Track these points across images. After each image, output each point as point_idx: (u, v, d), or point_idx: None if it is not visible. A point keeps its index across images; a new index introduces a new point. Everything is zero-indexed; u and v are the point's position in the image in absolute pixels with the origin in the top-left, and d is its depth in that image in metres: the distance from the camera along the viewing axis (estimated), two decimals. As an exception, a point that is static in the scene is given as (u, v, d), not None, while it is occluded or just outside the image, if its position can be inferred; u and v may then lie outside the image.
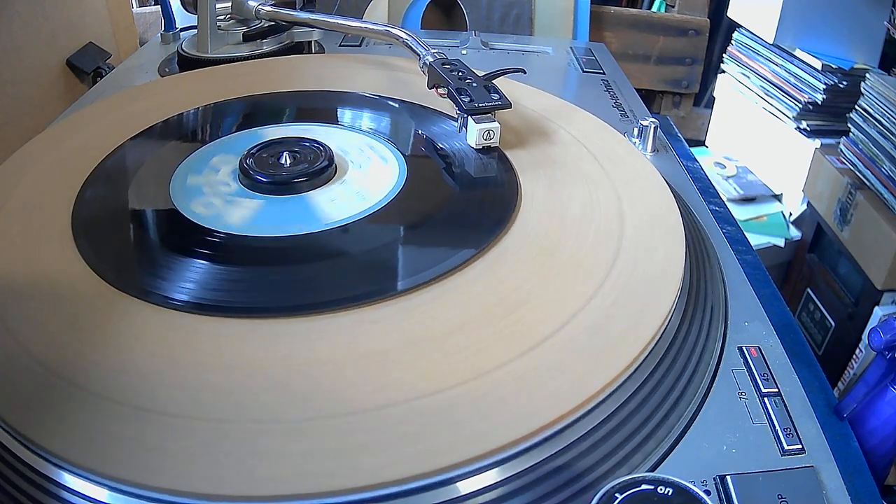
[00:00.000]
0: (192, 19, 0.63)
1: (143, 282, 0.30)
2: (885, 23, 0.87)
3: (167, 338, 0.27)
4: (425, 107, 0.46)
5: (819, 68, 0.88)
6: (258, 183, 0.37)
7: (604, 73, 0.64)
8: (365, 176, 0.38)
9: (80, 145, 0.42)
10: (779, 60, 0.95)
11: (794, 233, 0.94)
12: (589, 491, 0.23)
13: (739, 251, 0.38)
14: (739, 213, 0.95)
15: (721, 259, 0.37)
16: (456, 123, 0.41)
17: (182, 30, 0.69)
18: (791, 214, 0.96)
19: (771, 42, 0.95)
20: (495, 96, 0.40)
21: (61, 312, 0.28)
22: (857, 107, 0.81)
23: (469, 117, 0.40)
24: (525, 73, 0.46)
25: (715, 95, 1.11)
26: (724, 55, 1.08)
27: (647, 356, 0.27)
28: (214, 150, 0.41)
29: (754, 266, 0.38)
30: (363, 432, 0.23)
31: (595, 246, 0.32)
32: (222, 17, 0.62)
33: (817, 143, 0.89)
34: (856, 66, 0.87)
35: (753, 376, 0.29)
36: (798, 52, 0.92)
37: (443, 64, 0.43)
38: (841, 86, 0.87)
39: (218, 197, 0.36)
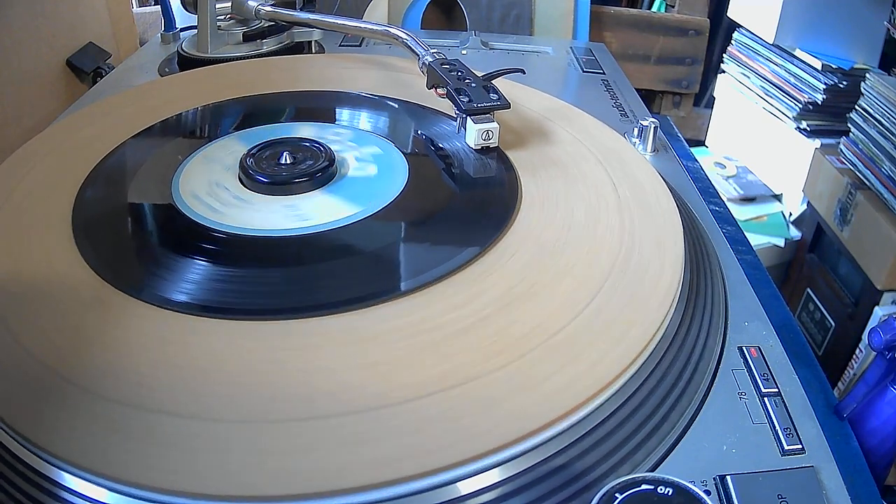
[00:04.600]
0: (192, 19, 0.63)
1: (144, 282, 0.30)
2: (885, 23, 0.87)
3: (167, 338, 0.27)
4: (426, 107, 0.46)
5: (819, 68, 0.88)
6: (258, 183, 0.37)
7: (604, 73, 0.64)
8: (365, 176, 0.38)
9: (80, 145, 0.42)
10: (779, 60, 0.95)
11: (794, 233, 0.94)
12: (589, 491, 0.23)
13: (739, 251, 0.38)
14: (739, 213, 0.95)
15: (721, 259, 0.37)
16: (456, 123, 0.41)
17: (182, 30, 0.69)
18: (791, 214, 0.96)
19: (771, 42, 0.95)
20: (494, 96, 0.40)
21: (61, 312, 0.28)
22: (857, 107, 0.81)
23: (468, 118, 0.40)
24: (524, 73, 0.46)
25: (715, 95, 1.11)
26: (724, 55, 1.08)
27: (647, 356, 0.27)
28: (214, 149, 0.41)
29: (754, 266, 0.38)
30: (363, 433, 0.23)
31: (595, 246, 0.32)
32: (222, 17, 0.62)
33: (817, 143, 0.89)
34: (856, 66, 0.87)
35: (753, 376, 0.29)
36: (798, 52, 0.92)
37: (442, 64, 0.43)
38: (841, 86, 0.87)
39: (218, 197, 0.36)
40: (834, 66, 0.87)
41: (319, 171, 0.37)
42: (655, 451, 0.25)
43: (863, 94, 0.80)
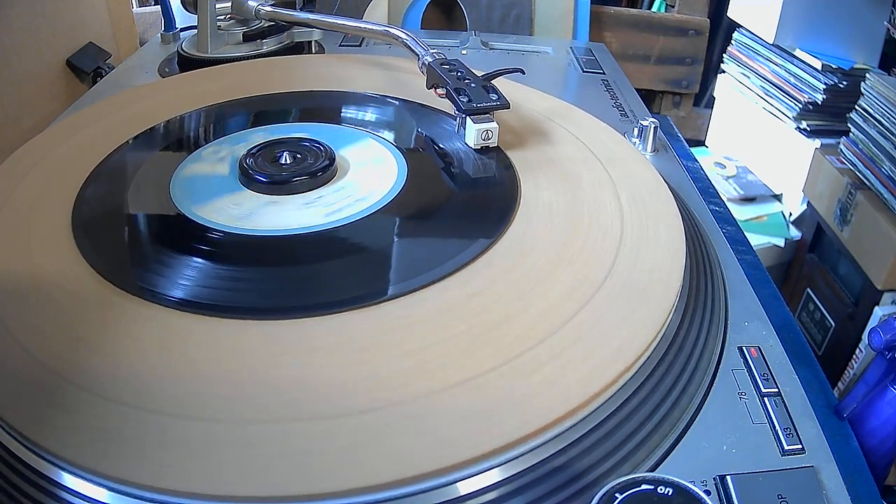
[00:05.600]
0: (192, 19, 0.63)
1: (143, 281, 0.30)
2: (885, 23, 0.87)
3: (166, 337, 0.27)
4: (425, 106, 0.46)
5: (819, 68, 0.88)
6: (258, 182, 0.37)
7: (604, 73, 0.64)
8: (365, 176, 0.38)
9: (80, 145, 0.42)
10: (779, 60, 0.95)
11: (794, 233, 0.94)
12: (589, 491, 0.23)
13: (739, 251, 0.38)
14: (739, 213, 0.95)
15: (721, 259, 0.37)
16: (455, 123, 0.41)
17: (182, 30, 0.69)
18: (791, 214, 0.96)
19: (771, 42, 0.95)
20: (494, 96, 0.40)
21: (61, 312, 0.28)
22: (857, 107, 0.81)
23: (467, 118, 0.40)
24: (524, 73, 0.46)
25: (715, 95, 1.11)
26: (724, 55, 1.08)
27: (647, 356, 0.27)
28: (214, 149, 0.41)
29: (754, 266, 0.38)
30: (361, 433, 0.23)
31: (595, 246, 0.32)
32: (222, 17, 0.62)
33: (817, 143, 0.89)
34: (856, 66, 0.87)
35: (753, 376, 0.29)
36: (798, 52, 0.92)
37: (441, 64, 0.43)
38: (841, 86, 0.87)
39: (217, 197, 0.36)
40: (834, 66, 0.87)
41: (319, 170, 0.37)
42: (655, 451, 0.25)
43: (863, 94, 0.80)
